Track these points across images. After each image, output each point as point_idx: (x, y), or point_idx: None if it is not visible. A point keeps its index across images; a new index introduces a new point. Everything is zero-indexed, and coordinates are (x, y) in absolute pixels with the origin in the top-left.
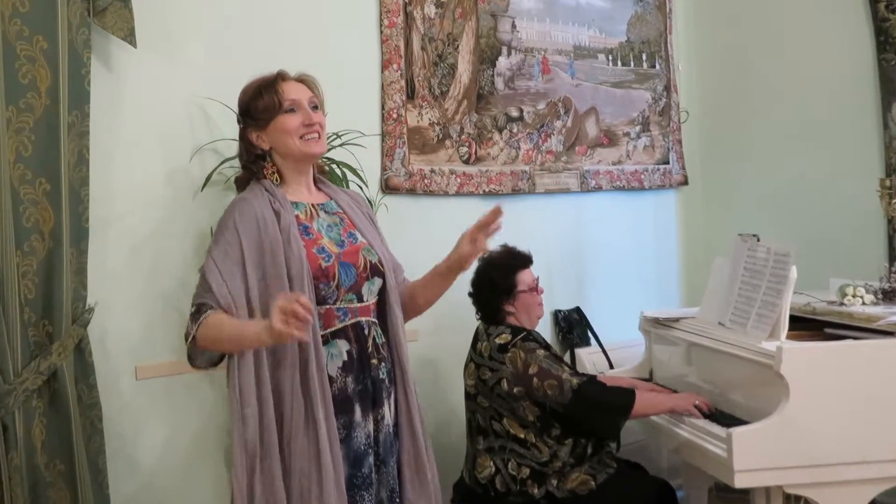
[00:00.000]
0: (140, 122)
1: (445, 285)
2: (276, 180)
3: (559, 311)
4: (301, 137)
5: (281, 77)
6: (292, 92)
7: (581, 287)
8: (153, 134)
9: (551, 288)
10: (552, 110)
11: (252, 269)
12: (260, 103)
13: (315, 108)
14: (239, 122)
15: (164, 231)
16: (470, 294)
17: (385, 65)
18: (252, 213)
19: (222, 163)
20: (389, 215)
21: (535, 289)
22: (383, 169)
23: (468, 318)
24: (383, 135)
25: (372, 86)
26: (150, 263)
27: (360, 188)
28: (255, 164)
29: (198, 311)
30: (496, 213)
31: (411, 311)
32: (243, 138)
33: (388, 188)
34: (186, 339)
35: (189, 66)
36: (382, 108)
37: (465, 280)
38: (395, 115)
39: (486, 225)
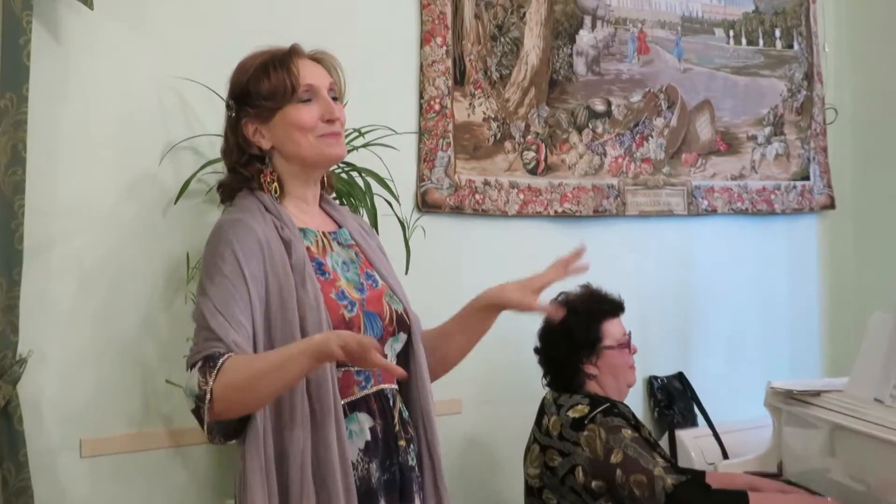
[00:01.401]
0: (96, 110)
1: (486, 325)
2: (276, 192)
3: (655, 377)
4: (319, 136)
5: (295, 53)
6: (309, 75)
7: (686, 346)
8: (113, 126)
9: (646, 346)
10: (651, 104)
11: (259, 315)
12: (265, 86)
13: (335, 98)
14: (230, 108)
15: (125, 257)
16: (536, 350)
17: (426, 38)
18: (254, 240)
19: (204, 166)
20: (427, 241)
21: (625, 345)
22: (420, 179)
23: (532, 385)
24: (421, 133)
25: (407, 66)
26: (103, 300)
27: (389, 204)
28: (247, 168)
29: (209, 360)
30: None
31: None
32: (235, 131)
33: (426, 205)
34: (202, 401)
35: (162, 37)
36: (421, 96)
37: (525, 334)
38: (437, 107)
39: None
